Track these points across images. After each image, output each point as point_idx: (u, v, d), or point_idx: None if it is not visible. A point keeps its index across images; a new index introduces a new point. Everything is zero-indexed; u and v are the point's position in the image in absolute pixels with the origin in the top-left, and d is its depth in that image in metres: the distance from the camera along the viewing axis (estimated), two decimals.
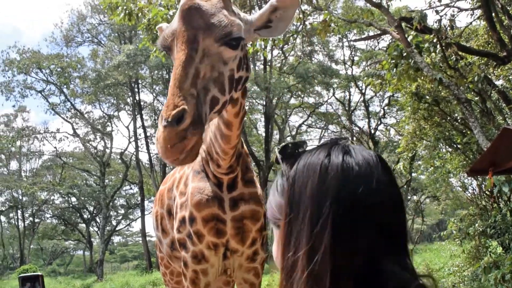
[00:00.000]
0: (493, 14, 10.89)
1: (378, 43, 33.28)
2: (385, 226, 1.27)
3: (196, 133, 2.52)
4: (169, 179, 4.83)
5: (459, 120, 14.39)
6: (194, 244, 4.01)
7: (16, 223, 54.25)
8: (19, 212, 52.65)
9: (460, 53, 11.35)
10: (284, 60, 36.99)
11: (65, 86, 39.71)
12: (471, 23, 14.79)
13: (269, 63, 33.38)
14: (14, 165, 55.46)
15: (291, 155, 1.44)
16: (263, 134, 34.21)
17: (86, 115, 42.87)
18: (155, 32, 11.76)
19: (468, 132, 13.46)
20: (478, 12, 13.66)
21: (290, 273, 1.30)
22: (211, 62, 2.75)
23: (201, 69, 2.67)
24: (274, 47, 29.53)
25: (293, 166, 1.38)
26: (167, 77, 38.49)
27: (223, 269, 4.23)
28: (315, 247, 1.24)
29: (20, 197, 51.15)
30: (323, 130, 39.65)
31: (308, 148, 1.45)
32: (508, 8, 11.68)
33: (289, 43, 29.64)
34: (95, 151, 44.11)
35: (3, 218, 54.82)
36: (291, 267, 1.29)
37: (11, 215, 55.15)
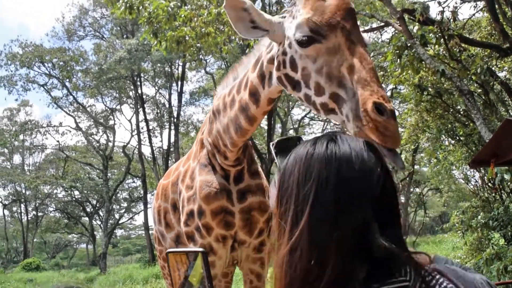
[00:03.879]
0: (496, 5, 10.86)
1: (381, 35, 33.19)
2: (372, 203, 1.30)
3: None
4: (172, 173, 4.82)
5: (461, 112, 14.36)
6: (203, 237, 4.03)
7: (19, 216, 54.46)
8: (22, 206, 52.84)
9: (462, 45, 11.31)
10: None
11: (67, 80, 39.73)
12: (474, 14, 14.76)
13: None
14: (17, 159, 55.73)
15: (285, 149, 1.50)
16: (265, 127, 34.13)
17: (88, 109, 42.91)
18: (155, 25, 11.76)
19: (471, 124, 13.43)
20: (481, 4, 13.62)
21: (282, 256, 1.35)
22: None
23: None
24: None
25: (284, 162, 1.44)
26: (169, 70, 38.46)
27: (231, 261, 4.26)
28: (297, 224, 1.32)
29: (23, 191, 51.32)
30: (326, 123, 39.54)
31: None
32: None
33: None
34: (98, 144, 44.15)
35: (6, 212, 55.19)
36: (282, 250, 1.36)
37: (14, 208, 55.45)
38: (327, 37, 2.64)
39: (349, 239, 1.28)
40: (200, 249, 1.48)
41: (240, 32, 3.01)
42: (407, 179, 31.62)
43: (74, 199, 49.67)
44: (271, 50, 3.15)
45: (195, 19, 11.75)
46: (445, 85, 13.42)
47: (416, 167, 31.35)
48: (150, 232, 40.39)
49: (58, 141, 45.11)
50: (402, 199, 25.80)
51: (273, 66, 3.08)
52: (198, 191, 4.03)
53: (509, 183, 10.62)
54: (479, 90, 13.89)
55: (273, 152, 1.57)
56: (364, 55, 2.57)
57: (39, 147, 50.42)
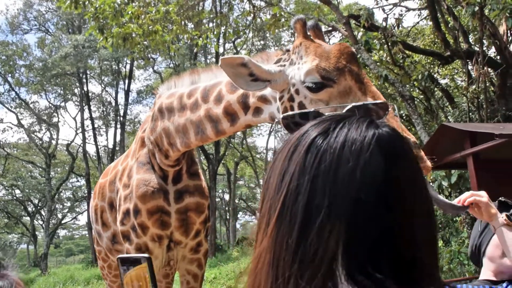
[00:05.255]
0: (439, 14, 11.21)
1: (329, 39, 33.76)
2: (352, 229, 0.96)
3: None
4: (110, 171, 4.79)
5: (404, 117, 14.75)
6: (138, 236, 4.02)
7: None
8: None
9: (406, 51, 11.62)
10: (236, 54, 36.93)
11: (9, 75, 38.58)
12: (417, 22, 15.19)
13: (220, 56, 33.31)
14: None
15: (287, 128, 1.26)
16: None
17: (31, 105, 41.69)
18: (102, 21, 11.56)
19: (412, 129, 13.81)
20: (425, 13, 14.03)
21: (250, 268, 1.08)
22: None
23: None
24: (225, 40, 29.46)
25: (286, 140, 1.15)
26: (116, 68, 37.88)
27: (167, 261, 4.24)
28: (265, 235, 1.03)
29: None
30: (272, 124, 39.76)
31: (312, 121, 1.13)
32: (453, 9, 12.03)
33: (241, 37, 29.63)
34: (41, 142, 42.99)
35: None
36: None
37: None
38: (338, 81, 2.78)
39: (309, 279, 0.95)
40: (146, 255, 1.46)
41: (241, 87, 3.09)
42: None
43: (15, 198, 48.20)
44: (260, 89, 3.20)
45: (143, 16, 11.62)
46: (388, 90, 13.75)
47: None
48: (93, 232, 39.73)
49: None
50: None
51: (262, 103, 3.24)
52: (134, 190, 4.02)
53: (448, 188, 10.99)
54: (421, 96, 14.30)
55: (275, 128, 1.33)
56: (376, 93, 2.76)
57: None
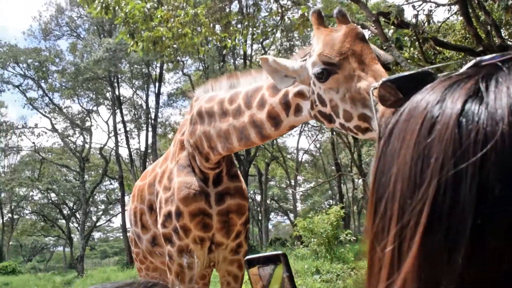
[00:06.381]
0: (470, 9, 11.03)
1: None
2: None
3: None
4: (148, 174, 4.83)
5: None
6: (180, 238, 4.06)
7: None
8: None
9: (437, 48, 11.48)
10: (264, 55, 36.85)
11: (43, 81, 39.29)
12: (448, 18, 14.96)
13: (249, 58, 33.32)
14: None
15: (394, 99, 0.86)
16: None
17: (64, 110, 42.36)
18: (132, 25, 11.69)
19: None
20: (455, 8, 13.82)
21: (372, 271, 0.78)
22: None
23: None
24: (253, 41, 29.46)
25: (388, 125, 0.82)
26: (146, 71, 38.22)
27: (208, 263, 4.28)
28: (399, 256, 0.69)
29: None
30: (303, 125, 39.66)
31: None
32: (484, 3, 11.83)
33: (269, 38, 29.62)
34: (74, 146, 43.64)
35: None
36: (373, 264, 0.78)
37: None
38: (341, 66, 2.81)
39: None
40: (279, 252, 1.37)
41: (276, 83, 3.19)
42: None
43: (50, 201, 49.06)
44: (297, 85, 3.26)
45: (172, 19, 11.72)
46: None
47: None
48: (128, 234, 40.08)
49: (33, 143, 44.53)
50: None
51: (301, 99, 3.27)
52: (176, 192, 4.06)
53: None
54: None
55: (372, 103, 0.72)
56: (378, 71, 2.74)
57: (14, 149, 49.70)
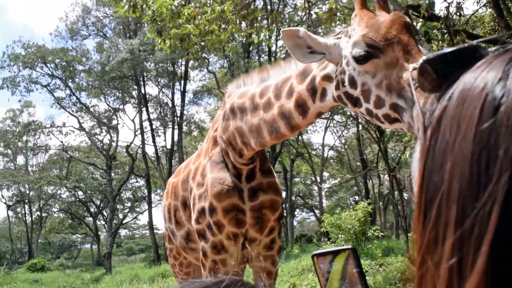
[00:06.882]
0: (500, 1, 10.82)
1: None
2: None
3: None
4: (182, 171, 4.85)
5: None
6: (214, 234, 4.06)
7: (23, 217, 54.57)
8: (26, 206, 52.92)
9: (467, 41, 11.29)
10: (288, 51, 36.77)
11: (70, 80, 39.72)
12: (477, 10, 14.71)
13: (273, 54, 33.25)
14: (20, 160, 55.94)
15: (442, 78, 0.72)
16: None
17: (91, 109, 42.78)
18: (159, 23, 11.74)
19: None
20: (484, 0, 13.59)
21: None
22: None
23: None
24: (278, 37, 29.36)
25: (436, 111, 0.68)
26: (171, 69, 38.41)
27: (241, 259, 4.27)
28: (462, 261, 0.57)
29: (27, 192, 51.43)
30: (329, 121, 39.46)
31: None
32: None
33: None
34: (101, 144, 44.07)
35: (10, 213, 55.18)
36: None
37: (18, 209, 55.50)
38: (385, 52, 2.74)
39: None
40: (349, 246, 1.32)
41: (298, 58, 3.13)
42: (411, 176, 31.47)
43: (78, 199, 49.73)
44: (325, 67, 3.22)
45: (199, 16, 11.74)
46: None
47: None
48: (155, 231, 40.44)
49: (61, 142, 45.01)
50: (406, 196, 25.81)
51: (327, 83, 3.19)
52: (209, 188, 4.06)
53: None
54: None
55: (411, 82, 0.67)
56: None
57: (43, 148, 50.52)
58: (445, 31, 10.08)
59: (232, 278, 0.94)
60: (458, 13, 10.58)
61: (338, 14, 12.83)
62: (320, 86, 3.25)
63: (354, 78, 2.89)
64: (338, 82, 3.02)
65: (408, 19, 2.87)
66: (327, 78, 3.19)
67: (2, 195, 51.56)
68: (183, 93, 38.85)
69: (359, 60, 2.79)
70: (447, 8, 10.02)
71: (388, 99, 2.71)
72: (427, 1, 9.83)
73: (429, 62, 0.74)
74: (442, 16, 10.03)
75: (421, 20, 10.77)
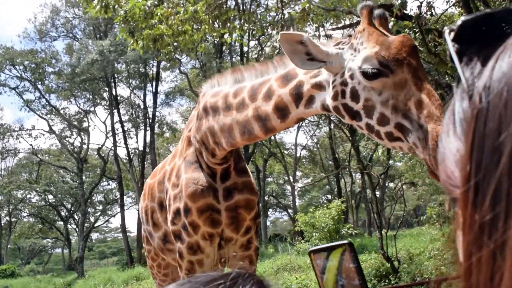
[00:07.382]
0: (469, 0, 11.01)
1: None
2: None
3: None
4: (158, 172, 4.84)
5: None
6: (190, 235, 4.04)
7: None
8: None
9: (437, 39, 11.45)
10: (260, 51, 36.93)
11: (39, 82, 39.26)
12: (447, 9, 14.95)
13: (245, 54, 33.26)
14: None
15: (480, 46, 0.63)
16: None
17: (61, 111, 42.31)
18: (132, 23, 11.63)
19: None
20: None
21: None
22: None
23: None
24: (250, 38, 29.42)
25: (484, 73, 0.59)
26: (143, 71, 38.16)
27: (218, 259, 4.25)
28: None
29: None
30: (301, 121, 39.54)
31: None
32: None
33: (268, 33, 29.63)
34: (72, 147, 43.59)
35: None
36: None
37: None
38: (395, 72, 2.76)
39: None
40: (345, 242, 1.33)
41: (297, 64, 3.08)
42: (383, 174, 31.93)
43: (48, 203, 48.99)
44: (316, 75, 3.20)
45: (172, 17, 11.66)
46: None
47: (390, 161, 31.68)
48: (128, 234, 40.11)
49: (31, 145, 44.51)
50: (378, 194, 26.12)
51: (317, 91, 3.19)
52: (184, 189, 4.04)
53: None
54: None
55: (451, 50, 0.61)
56: (431, 92, 2.71)
57: (12, 152, 49.61)
58: (417, 30, 10.20)
59: (239, 271, 0.93)
60: (429, 12, 10.72)
61: (311, 14, 12.89)
62: (308, 93, 3.24)
63: (357, 92, 2.89)
64: (337, 93, 3.00)
65: (415, 43, 2.92)
66: (318, 86, 3.18)
67: None
68: (155, 94, 38.70)
69: (368, 76, 2.79)
70: (419, 7, 10.15)
71: (394, 118, 2.74)
72: (400, 1, 9.95)
73: (467, 23, 0.65)
74: (414, 15, 10.15)
75: (393, 19, 10.88)
